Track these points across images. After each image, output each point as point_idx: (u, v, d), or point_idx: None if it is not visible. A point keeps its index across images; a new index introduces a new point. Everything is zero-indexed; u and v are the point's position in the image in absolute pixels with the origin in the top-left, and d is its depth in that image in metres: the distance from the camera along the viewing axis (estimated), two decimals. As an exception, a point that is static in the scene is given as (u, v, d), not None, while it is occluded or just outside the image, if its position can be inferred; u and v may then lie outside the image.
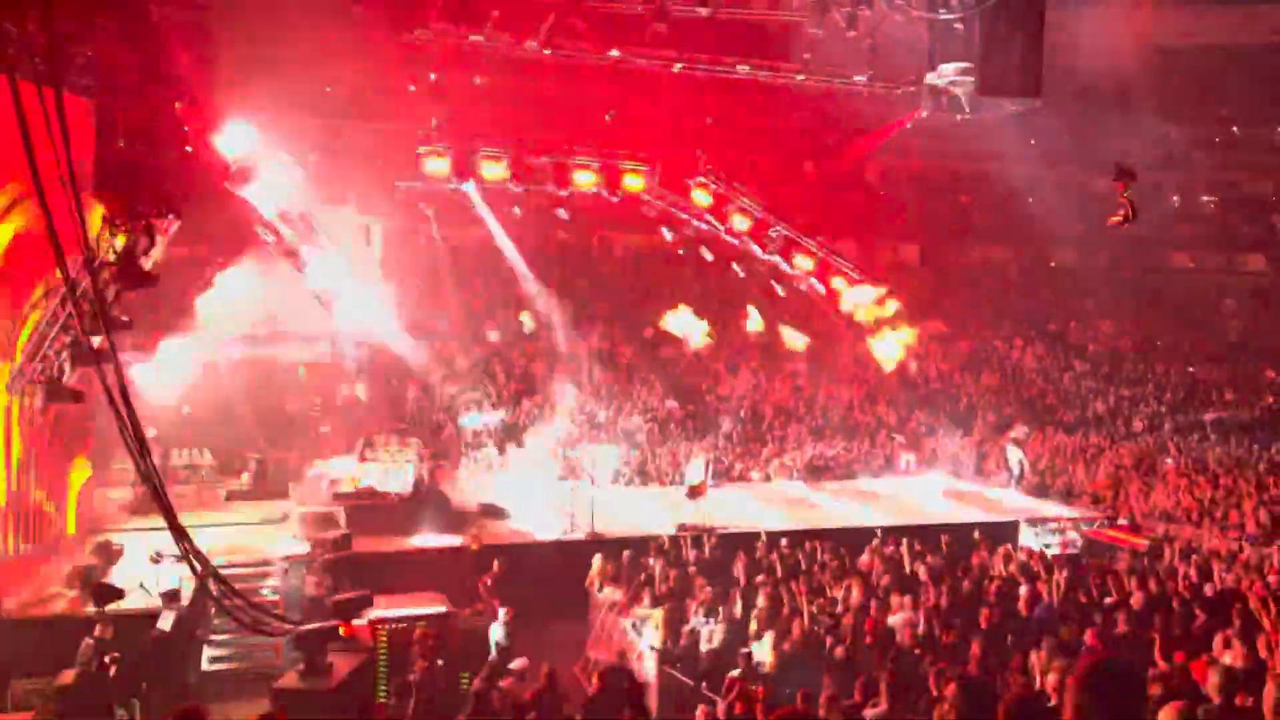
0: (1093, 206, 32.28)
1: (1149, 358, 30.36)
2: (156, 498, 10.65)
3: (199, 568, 11.46)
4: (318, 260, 14.97)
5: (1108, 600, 12.90)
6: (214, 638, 13.76)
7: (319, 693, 9.90)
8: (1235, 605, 12.14)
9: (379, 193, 25.31)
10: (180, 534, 10.98)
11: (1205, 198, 38.67)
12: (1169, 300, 33.52)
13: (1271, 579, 13.74)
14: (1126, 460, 23.06)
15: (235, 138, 13.49)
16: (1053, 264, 37.37)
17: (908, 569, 14.17)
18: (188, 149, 22.14)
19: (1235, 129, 39.35)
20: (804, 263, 17.71)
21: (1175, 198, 37.32)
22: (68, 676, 10.24)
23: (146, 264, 10.80)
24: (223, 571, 13.04)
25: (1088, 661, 3.36)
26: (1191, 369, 29.67)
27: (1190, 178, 36.55)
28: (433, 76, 15.71)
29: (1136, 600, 12.77)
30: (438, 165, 14.61)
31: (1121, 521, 18.70)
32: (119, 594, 11.78)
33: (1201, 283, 36.55)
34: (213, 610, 13.23)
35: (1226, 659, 9.78)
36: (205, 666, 13.46)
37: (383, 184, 24.29)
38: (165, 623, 11.77)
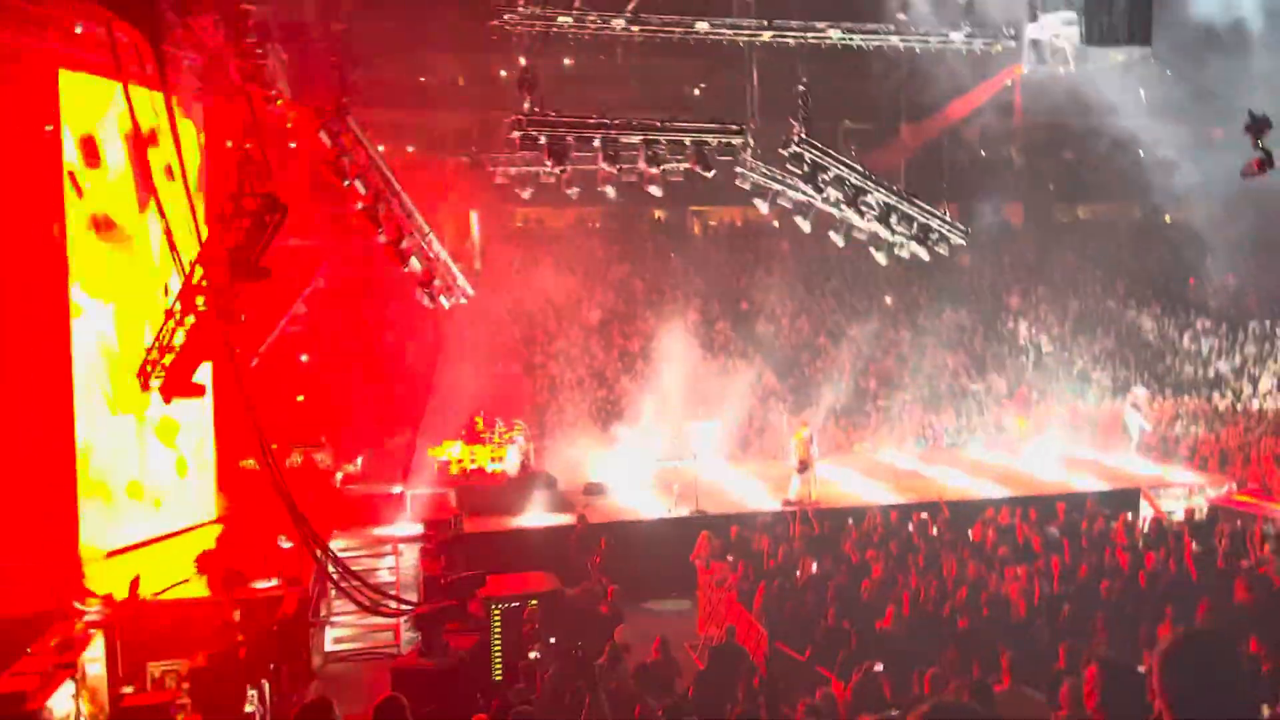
0: (1208, 158, 30.68)
1: (1275, 312, 28.77)
2: (276, 486, 11.04)
3: (318, 552, 11.87)
4: (419, 248, 15.22)
5: (1240, 568, 12.34)
6: (335, 619, 14.22)
7: (437, 672, 10.14)
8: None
9: (475, 179, 25.73)
10: (300, 519, 11.37)
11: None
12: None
13: None
14: (1255, 421, 21.98)
15: (335, 131, 13.77)
16: (1168, 219, 35.69)
17: (1023, 540, 13.78)
18: (291, 145, 22.83)
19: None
20: (905, 229, 17.24)
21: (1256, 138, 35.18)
22: (201, 658, 10.69)
23: (257, 258, 11.12)
24: (341, 555, 13.52)
25: (1172, 637, 3.12)
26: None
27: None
28: (522, 61, 15.76)
29: (1269, 569, 12.19)
30: (531, 149, 14.68)
31: (1252, 486, 17.84)
32: (242, 578, 12.26)
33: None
34: (333, 592, 13.68)
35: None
36: (328, 647, 13.93)
37: (479, 170, 24.67)
38: (289, 606, 12.21)
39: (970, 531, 14.38)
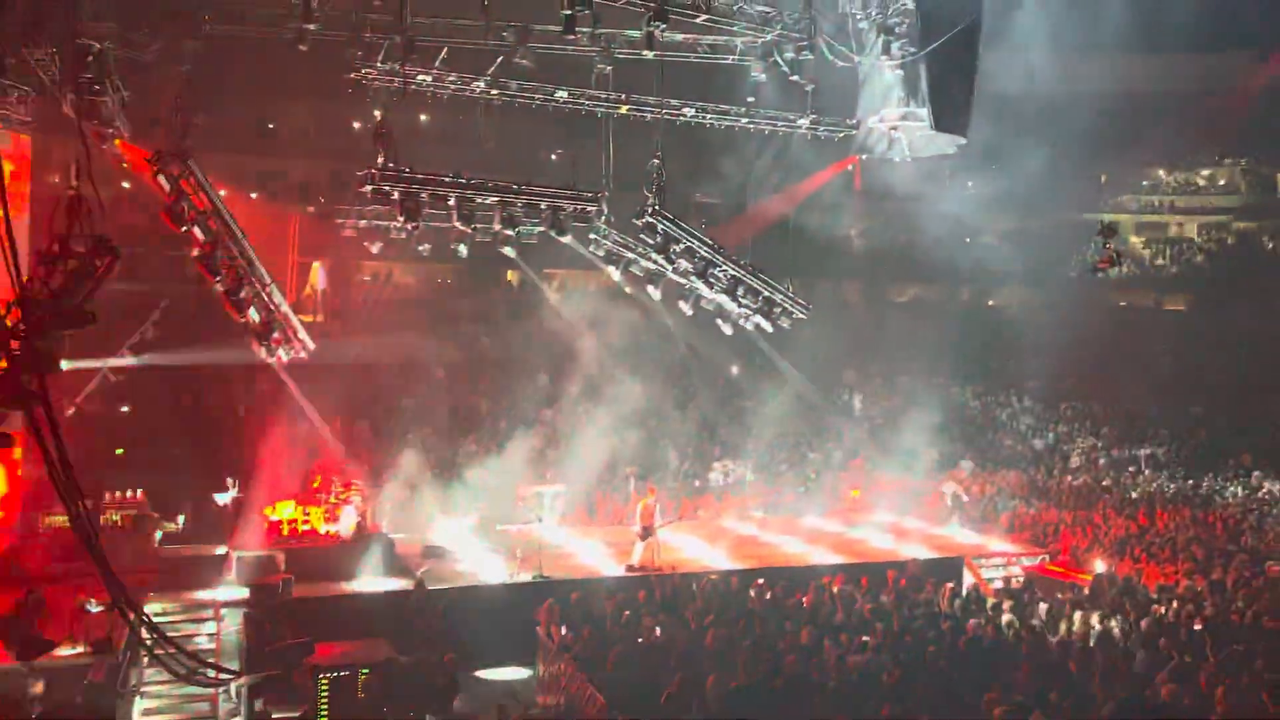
0: (1028, 247, 33.16)
1: (1084, 394, 31.02)
2: (88, 544, 10.29)
3: (131, 615, 11.09)
4: (258, 298, 14.71)
5: (1052, 637, 13.08)
6: (147, 688, 13.29)
7: (257, 745, 9.59)
8: (1174, 639, 12.40)
9: (323, 230, 25.17)
10: (113, 581, 10.62)
11: (1134, 239, 39.87)
12: (1102, 339, 34.33)
13: (1208, 611, 14.04)
14: (1066, 496, 23.48)
15: (175, 174, 13.24)
16: (991, 303, 38.18)
17: (854, 607, 14.19)
18: (125, 185, 21.73)
19: (1161, 173, 40.83)
20: (750, 302, 17.83)
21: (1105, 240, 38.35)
22: (-8, 733, 9.79)
23: (83, 303, 10.48)
24: (157, 619, 12.68)
25: None
26: (1124, 406, 30.36)
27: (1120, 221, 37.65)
28: (377, 114, 15.60)
29: (1079, 635, 12.98)
30: (383, 203, 14.47)
31: (1063, 557, 18.98)
32: (49, 645, 11.31)
33: (1132, 322, 37.58)
34: (146, 660, 12.80)
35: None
36: (137, 719, 12.98)
37: (326, 222, 24.15)
38: (97, 674, 11.34)
39: (806, 599, 14.71)
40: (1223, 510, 22.24)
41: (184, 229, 13.48)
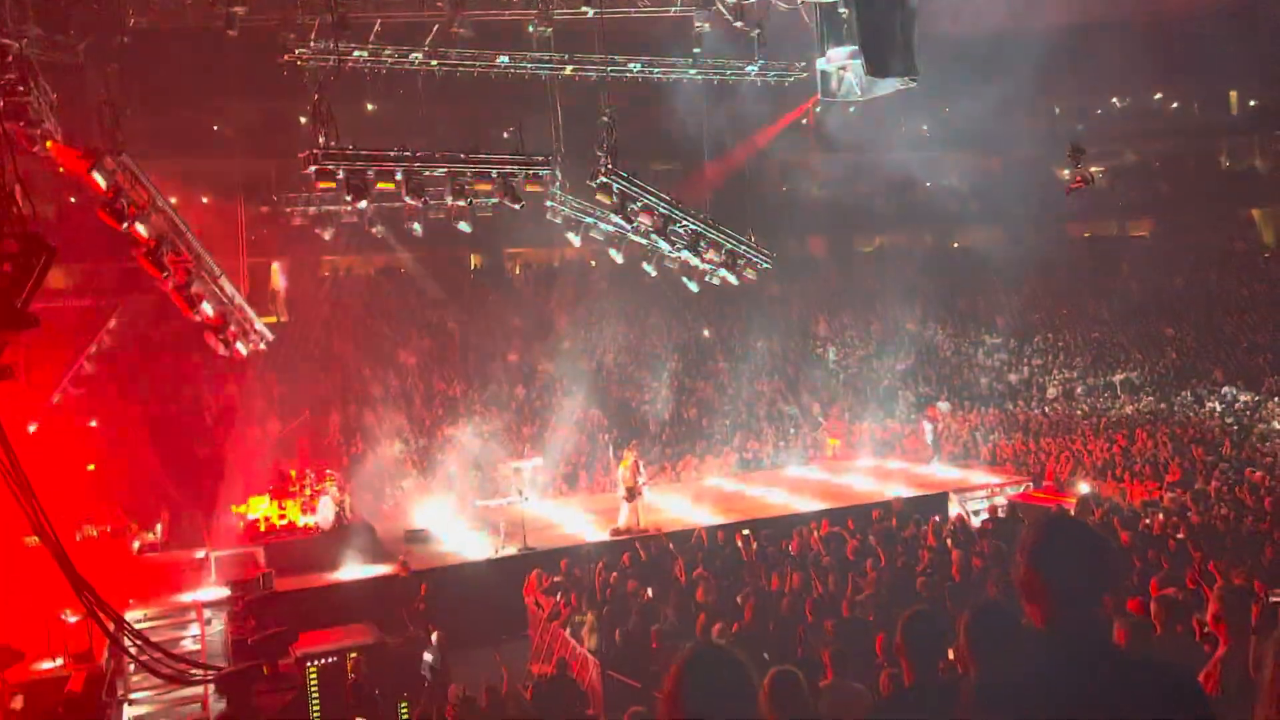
0: (987, 186, 33.14)
1: (1056, 327, 31.12)
2: (54, 552, 10.02)
3: (110, 624, 10.84)
4: (210, 292, 14.38)
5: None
6: (134, 695, 13.05)
7: (247, 735, 9.41)
8: (1162, 552, 12.42)
9: (276, 227, 24.74)
10: (83, 588, 10.36)
11: (1093, 169, 39.93)
12: (1068, 270, 34.45)
13: (1193, 520, 14.09)
14: (1045, 426, 23.54)
15: (110, 170, 12.85)
16: (955, 245, 38.20)
17: (841, 548, 14.12)
18: (72, 200, 21.15)
19: (1114, 101, 40.87)
20: (714, 255, 17.60)
21: (1065, 172, 38.39)
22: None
23: (25, 304, 10.15)
24: (140, 626, 12.45)
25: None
26: (1096, 334, 30.48)
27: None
28: (315, 97, 15.18)
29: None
30: (328, 182, 14.06)
31: (1047, 483, 19.03)
32: (19, 656, 11.06)
33: (1097, 250, 37.76)
34: (130, 666, 12.56)
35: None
36: (127, 726, 12.75)
37: (279, 218, 23.72)
38: (75, 685, 11.10)
39: (794, 545, 14.62)
40: (1201, 424, 22.40)
41: (125, 225, 13.08)
